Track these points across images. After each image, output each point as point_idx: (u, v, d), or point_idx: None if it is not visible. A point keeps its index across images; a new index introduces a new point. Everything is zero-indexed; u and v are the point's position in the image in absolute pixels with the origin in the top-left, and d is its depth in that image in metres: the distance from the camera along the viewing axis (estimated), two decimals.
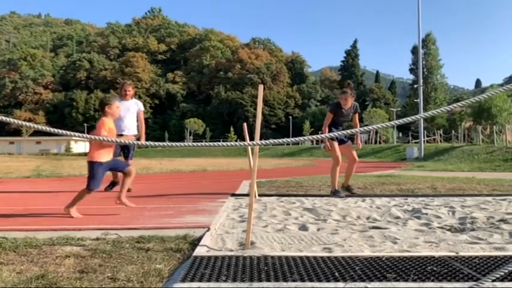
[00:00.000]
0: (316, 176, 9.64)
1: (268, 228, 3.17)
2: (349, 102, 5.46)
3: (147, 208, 4.41)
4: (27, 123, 2.45)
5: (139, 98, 70.37)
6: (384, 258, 2.19)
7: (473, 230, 3.12)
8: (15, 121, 2.17)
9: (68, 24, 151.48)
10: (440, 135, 39.16)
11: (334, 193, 5.38)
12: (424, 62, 55.77)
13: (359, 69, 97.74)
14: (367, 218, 3.68)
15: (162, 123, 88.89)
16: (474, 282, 1.79)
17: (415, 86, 36.51)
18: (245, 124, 5.43)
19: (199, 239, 2.74)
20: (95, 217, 3.79)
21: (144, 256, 2.33)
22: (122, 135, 6.17)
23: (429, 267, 2.01)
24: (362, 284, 1.79)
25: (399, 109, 70.03)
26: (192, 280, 1.84)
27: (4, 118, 2.09)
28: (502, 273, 1.82)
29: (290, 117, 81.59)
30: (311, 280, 1.84)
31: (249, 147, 4.96)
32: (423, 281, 1.83)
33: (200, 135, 77.97)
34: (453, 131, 33.70)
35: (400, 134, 54.78)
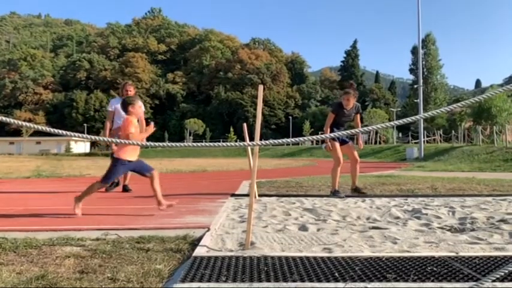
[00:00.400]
0: (316, 176, 9.63)
1: (268, 229, 3.17)
2: (352, 102, 5.46)
3: (147, 208, 4.40)
4: (27, 124, 2.45)
5: (140, 98, 70.03)
6: (383, 259, 2.19)
7: (473, 230, 3.12)
8: (15, 121, 2.17)
9: (68, 25, 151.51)
10: (440, 135, 39.15)
11: (334, 193, 5.38)
12: (424, 62, 55.80)
13: (359, 69, 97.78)
14: (367, 218, 3.68)
15: (162, 123, 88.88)
16: (474, 283, 1.79)
17: (415, 86, 36.52)
18: (245, 124, 5.43)
19: (199, 239, 2.74)
20: (95, 217, 3.78)
21: (144, 256, 2.32)
22: None
23: (429, 268, 2.01)
24: (362, 284, 1.79)
25: (399, 109, 70.06)
26: (192, 280, 1.84)
27: (4, 118, 2.08)
28: (502, 274, 1.82)
29: (290, 117, 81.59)
30: (311, 280, 1.84)
31: (249, 148, 4.96)
32: (423, 281, 1.83)
33: (200, 136, 77.99)
34: (453, 131, 33.71)
35: (400, 134, 54.76)
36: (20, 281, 1.88)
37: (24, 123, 2.24)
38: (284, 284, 1.80)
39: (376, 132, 45.11)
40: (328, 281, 1.83)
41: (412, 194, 5.80)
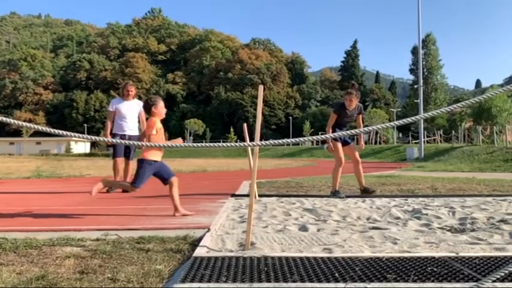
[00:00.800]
0: (316, 177, 9.63)
1: (268, 229, 3.17)
2: (354, 103, 5.45)
3: (147, 209, 4.40)
4: (27, 124, 2.45)
5: (140, 98, 70.12)
6: (384, 259, 2.19)
7: (473, 230, 3.12)
8: (15, 122, 2.17)
9: (68, 25, 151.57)
10: (441, 135, 39.16)
11: (334, 193, 5.38)
12: (424, 63, 55.84)
13: (359, 69, 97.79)
14: (367, 219, 3.68)
15: (162, 123, 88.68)
16: (474, 283, 1.79)
17: (415, 86, 36.52)
18: (245, 124, 5.43)
19: (199, 239, 2.74)
20: (95, 217, 3.79)
21: (144, 257, 2.32)
22: (124, 135, 6.17)
23: (429, 268, 2.01)
24: (362, 285, 1.79)
25: (399, 109, 70.08)
26: (192, 281, 1.84)
27: (4, 119, 2.08)
28: (503, 274, 1.82)
29: (290, 117, 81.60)
30: (311, 281, 1.84)
31: (249, 148, 4.96)
32: (423, 281, 1.83)
33: (200, 136, 77.99)
34: (453, 132, 33.71)
35: (400, 135, 54.77)
36: (20, 281, 1.88)
37: (24, 124, 2.24)
38: (284, 285, 1.79)
39: (377, 133, 45.12)
40: (328, 282, 1.83)
41: (412, 194, 5.80)
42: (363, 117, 5.96)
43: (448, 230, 3.14)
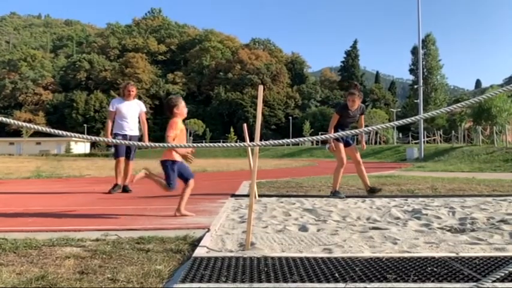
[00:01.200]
0: (316, 177, 9.63)
1: (268, 229, 3.17)
2: (357, 103, 5.44)
3: (147, 209, 4.40)
4: (27, 124, 2.45)
5: (140, 98, 70.14)
6: (384, 259, 2.18)
7: (473, 230, 3.12)
8: (15, 122, 2.17)
9: (68, 25, 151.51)
10: (440, 135, 39.16)
11: (334, 194, 5.38)
12: (424, 63, 55.84)
13: (359, 69, 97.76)
14: (367, 219, 3.68)
15: (162, 124, 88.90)
16: (474, 283, 1.79)
17: (415, 86, 36.54)
18: (245, 125, 5.43)
19: (199, 239, 2.73)
20: (95, 218, 3.79)
21: (144, 257, 2.32)
22: (125, 135, 6.16)
23: (429, 268, 2.01)
24: (362, 285, 1.79)
25: (399, 110, 70.07)
26: (192, 281, 1.84)
27: (4, 119, 2.08)
28: (503, 274, 1.82)
29: (290, 117, 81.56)
30: (311, 281, 1.84)
31: (249, 148, 4.96)
32: (423, 281, 1.83)
33: (200, 136, 77.99)
34: (453, 132, 33.72)
35: (400, 135, 54.75)
36: (20, 281, 1.87)
37: (24, 124, 2.23)
38: (284, 285, 1.79)
39: (376, 133, 45.12)
40: (328, 282, 1.83)
41: (412, 194, 5.80)
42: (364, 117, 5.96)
43: (448, 230, 3.14)
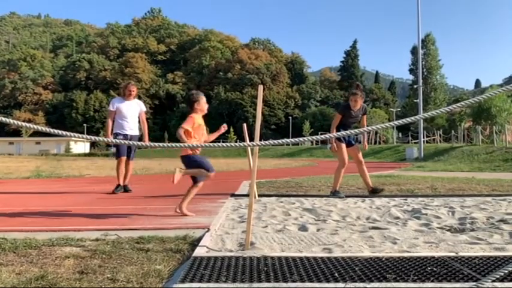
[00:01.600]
0: (316, 177, 9.63)
1: (268, 229, 3.17)
2: (359, 103, 5.44)
3: (147, 209, 4.40)
4: (27, 124, 2.44)
5: (139, 98, 70.05)
6: (383, 259, 2.19)
7: (473, 230, 3.12)
8: (15, 122, 2.17)
9: (67, 25, 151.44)
10: (440, 135, 39.15)
11: (334, 193, 5.38)
12: (423, 63, 55.82)
13: (359, 69, 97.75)
14: (367, 219, 3.68)
15: (162, 123, 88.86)
16: (474, 283, 1.79)
17: (415, 86, 36.53)
18: (245, 124, 5.43)
19: (199, 239, 2.74)
20: (95, 218, 3.78)
21: (143, 257, 2.32)
22: (126, 135, 6.15)
23: (429, 268, 2.01)
24: (362, 285, 1.79)
25: (399, 109, 70.07)
26: (191, 281, 1.84)
27: (4, 119, 2.08)
28: (502, 274, 1.82)
29: (290, 117, 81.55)
30: (311, 281, 1.84)
31: (249, 148, 4.95)
32: (423, 281, 1.83)
33: None
34: (453, 131, 33.70)
35: (400, 135, 54.75)
36: (19, 281, 1.87)
37: (23, 124, 2.23)
38: (284, 285, 1.79)
39: (376, 133, 45.12)
40: (328, 281, 1.83)
41: (412, 194, 5.80)
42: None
43: (448, 230, 3.14)
